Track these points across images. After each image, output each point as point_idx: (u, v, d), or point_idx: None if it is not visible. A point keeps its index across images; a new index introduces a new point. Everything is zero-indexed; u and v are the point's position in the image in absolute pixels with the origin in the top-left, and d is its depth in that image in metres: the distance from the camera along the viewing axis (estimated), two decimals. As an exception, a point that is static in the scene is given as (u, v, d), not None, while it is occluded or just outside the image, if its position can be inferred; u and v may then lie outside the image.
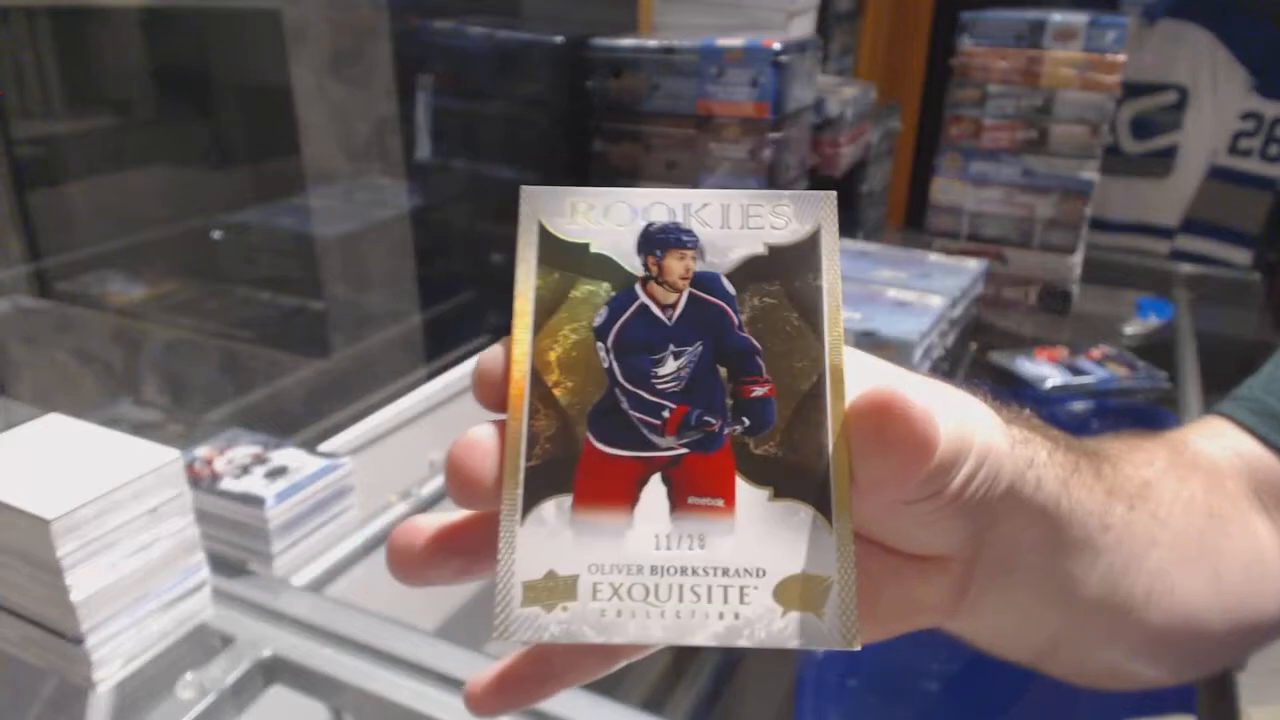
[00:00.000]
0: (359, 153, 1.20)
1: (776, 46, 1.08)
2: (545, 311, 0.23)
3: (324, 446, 0.83)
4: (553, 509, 0.22)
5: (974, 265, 1.18)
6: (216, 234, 1.13)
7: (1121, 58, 1.28)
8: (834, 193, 0.24)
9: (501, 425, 0.22)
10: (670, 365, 0.23)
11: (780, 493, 0.22)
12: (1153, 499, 0.34)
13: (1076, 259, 1.37)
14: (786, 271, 0.23)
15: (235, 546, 0.72)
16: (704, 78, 1.12)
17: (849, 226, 1.46)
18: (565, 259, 0.23)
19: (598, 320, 0.23)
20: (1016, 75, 1.33)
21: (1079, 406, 1.15)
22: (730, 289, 0.23)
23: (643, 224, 0.24)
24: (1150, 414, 1.13)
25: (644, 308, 0.23)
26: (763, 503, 0.22)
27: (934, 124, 1.45)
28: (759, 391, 0.23)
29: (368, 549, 0.81)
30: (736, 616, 0.21)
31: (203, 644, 0.65)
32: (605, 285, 0.23)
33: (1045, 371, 1.17)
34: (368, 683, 0.62)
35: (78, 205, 1.01)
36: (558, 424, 0.22)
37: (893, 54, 2.06)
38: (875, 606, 0.26)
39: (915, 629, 0.27)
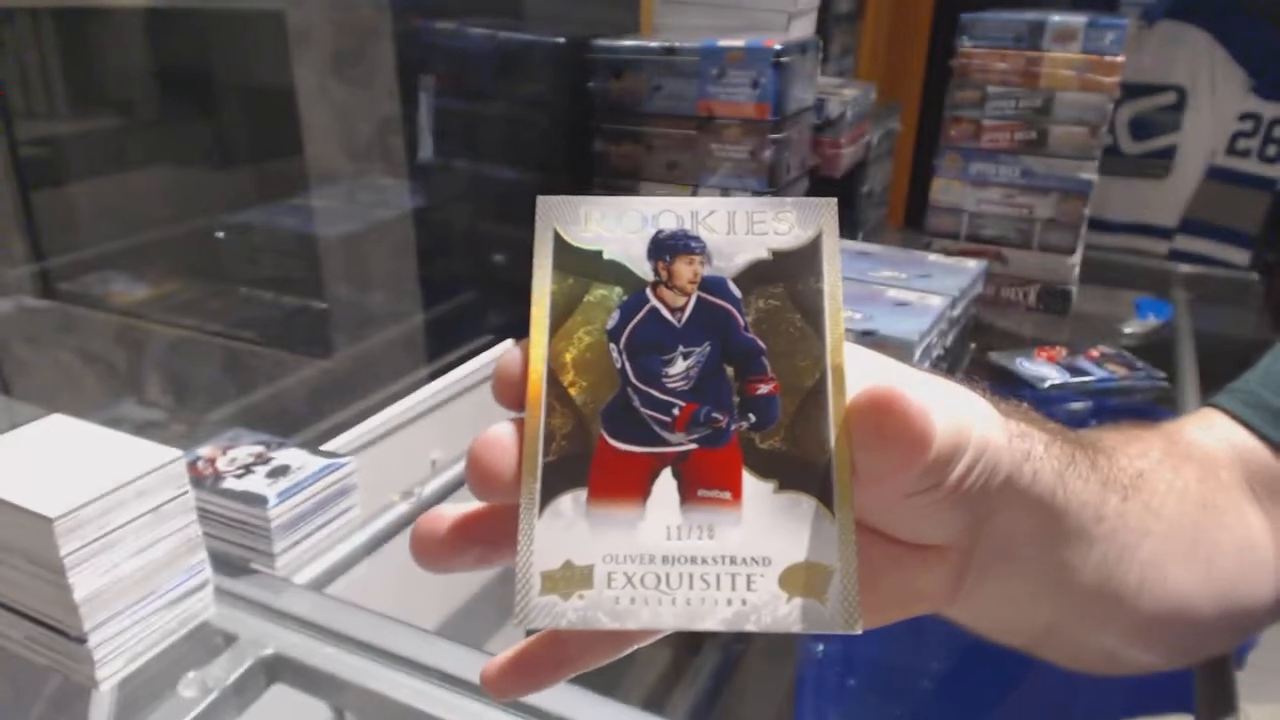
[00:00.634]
0: (361, 153, 1.20)
1: (777, 47, 1.09)
2: (561, 315, 0.24)
3: (326, 446, 0.83)
4: (569, 502, 0.22)
5: (974, 265, 1.18)
6: (219, 234, 1.13)
7: (1120, 59, 1.28)
8: (834, 200, 0.25)
9: (520, 423, 0.23)
10: (680, 365, 0.24)
11: (785, 485, 0.23)
12: (1147, 490, 0.35)
13: (1076, 259, 1.37)
14: (789, 275, 0.24)
15: (237, 545, 0.72)
16: (705, 78, 1.12)
17: (849, 227, 1.46)
18: (579, 265, 0.24)
19: (610, 323, 0.24)
20: (1016, 76, 1.33)
21: (1078, 406, 1.15)
22: (736, 292, 0.24)
23: (653, 231, 0.25)
24: (1149, 413, 1.13)
25: (654, 311, 0.24)
26: (768, 495, 0.23)
27: (934, 125, 1.45)
28: (764, 389, 0.23)
29: (369, 548, 0.81)
30: (744, 603, 0.22)
31: (205, 643, 0.65)
32: (617, 289, 0.24)
33: (1044, 371, 1.17)
34: (369, 681, 0.62)
35: (81, 205, 1.01)
36: (573, 422, 0.23)
37: (893, 55, 2.06)
38: (876, 593, 0.26)
39: (914, 615, 0.28)
